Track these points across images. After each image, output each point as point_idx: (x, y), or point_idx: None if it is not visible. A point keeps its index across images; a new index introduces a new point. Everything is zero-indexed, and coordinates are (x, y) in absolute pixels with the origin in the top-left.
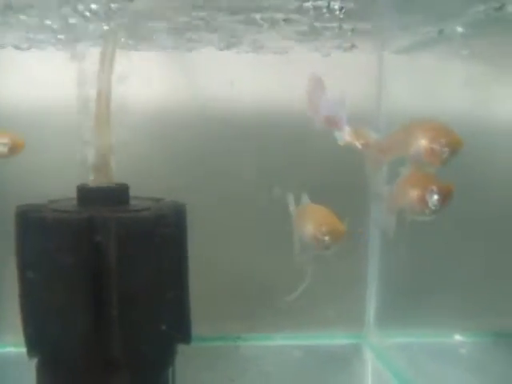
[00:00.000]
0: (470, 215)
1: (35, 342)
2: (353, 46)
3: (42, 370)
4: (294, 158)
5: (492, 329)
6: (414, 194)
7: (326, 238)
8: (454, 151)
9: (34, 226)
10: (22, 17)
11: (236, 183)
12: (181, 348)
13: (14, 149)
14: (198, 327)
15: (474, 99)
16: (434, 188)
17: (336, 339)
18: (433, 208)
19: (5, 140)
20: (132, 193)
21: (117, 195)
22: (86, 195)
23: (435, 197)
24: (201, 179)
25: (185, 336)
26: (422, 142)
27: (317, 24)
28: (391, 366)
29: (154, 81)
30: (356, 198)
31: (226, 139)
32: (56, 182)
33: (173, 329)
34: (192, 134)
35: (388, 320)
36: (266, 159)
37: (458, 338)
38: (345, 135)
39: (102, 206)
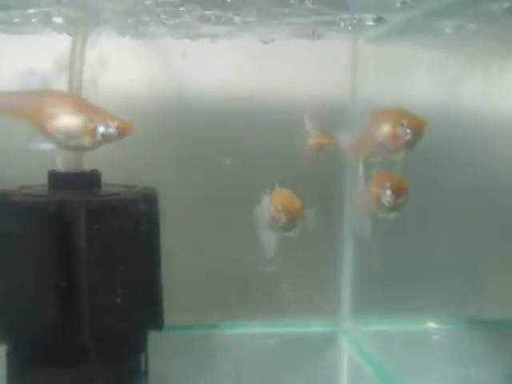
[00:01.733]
0: (444, 204)
1: (4, 328)
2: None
3: (11, 356)
4: (273, 146)
5: (465, 316)
6: (374, 192)
7: (282, 215)
8: (417, 133)
9: (3, 210)
10: None
11: (212, 172)
12: (156, 336)
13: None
14: (171, 315)
15: (443, 85)
16: (388, 184)
17: (311, 327)
18: (387, 205)
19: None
20: (105, 180)
21: (88, 181)
22: (57, 180)
23: (388, 192)
24: (175, 167)
25: (156, 323)
26: (385, 128)
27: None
28: (365, 353)
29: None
30: (332, 188)
31: (202, 127)
32: (27, 168)
33: (144, 315)
34: (167, 121)
35: (363, 308)
36: (244, 148)
37: (431, 325)
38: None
39: (73, 191)
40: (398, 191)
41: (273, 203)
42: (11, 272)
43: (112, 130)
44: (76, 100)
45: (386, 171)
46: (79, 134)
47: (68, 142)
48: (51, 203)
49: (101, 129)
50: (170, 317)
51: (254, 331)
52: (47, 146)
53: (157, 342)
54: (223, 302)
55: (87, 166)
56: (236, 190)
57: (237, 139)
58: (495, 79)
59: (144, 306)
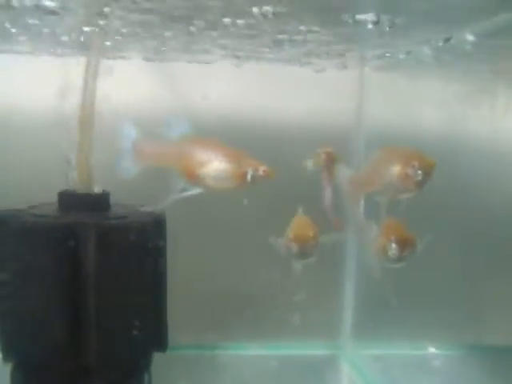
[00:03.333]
0: (445, 232)
1: (10, 346)
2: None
3: (16, 375)
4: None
5: (466, 342)
6: (380, 243)
7: (294, 244)
8: (428, 173)
9: (13, 230)
10: None
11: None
12: (159, 356)
13: (267, 176)
14: (176, 335)
15: (449, 117)
16: (393, 237)
17: (313, 350)
18: (392, 257)
19: (262, 167)
20: (114, 200)
21: (97, 202)
22: (67, 201)
23: (393, 246)
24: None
25: (161, 344)
26: (395, 169)
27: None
28: (366, 377)
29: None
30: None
31: None
32: (37, 188)
33: (149, 337)
34: None
35: (364, 332)
36: None
37: (432, 350)
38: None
39: (82, 213)
40: (404, 244)
41: (289, 231)
42: (19, 293)
43: (260, 174)
44: (221, 145)
45: (395, 221)
46: (230, 179)
47: (218, 186)
48: (61, 225)
49: (250, 173)
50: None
51: (255, 353)
52: (194, 191)
53: (159, 362)
54: (225, 322)
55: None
56: (243, 213)
57: None
58: (500, 110)
59: (149, 329)
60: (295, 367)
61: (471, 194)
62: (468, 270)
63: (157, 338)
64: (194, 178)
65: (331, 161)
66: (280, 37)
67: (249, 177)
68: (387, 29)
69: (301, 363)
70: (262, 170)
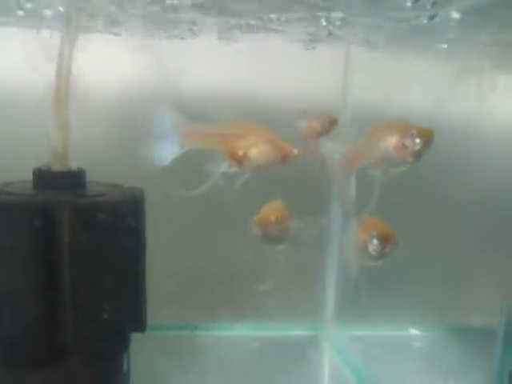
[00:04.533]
0: (430, 211)
1: None
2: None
3: None
4: None
5: (447, 323)
6: (360, 239)
7: (257, 228)
8: (427, 143)
9: None
10: None
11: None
12: (138, 336)
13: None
14: (156, 316)
15: (434, 92)
16: (374, 233)
17: (295, 331)
18: (373, 253)
19: (295, 150)
20: (91, 178)
21: (73, 179)
22: (42, 179)
23: (375, 241)
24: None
25: (139, 324)
26: (392, 139)
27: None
28: (347, 358)
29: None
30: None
31: None
32: (13, 164)
33: (126, 316)
34: None
35: (346, 313)
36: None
37: (413, 331)
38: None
39: (57, 190)
40: (385, 240)
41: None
42: None
43: (294, 155)
44: (261, 128)
45: (373, 217)
46: (271, 160)
47: (260, 166)
48: (34, 203)
49: (289, 155)
50: (153, 316)
51: (237, 334)
52: (232, 169)
53: (139, 342)
54: (207, 303)
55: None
56: (226, 191)
57: None
58: (488, 87)
59: (127, 308)
60: (277, 348)
61: (456, 175)
62: (450, 251)
63: (135, 318)
64: (238, 158)
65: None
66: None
67: (288, 158)
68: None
69: (282, 344)
70: (295, 152)
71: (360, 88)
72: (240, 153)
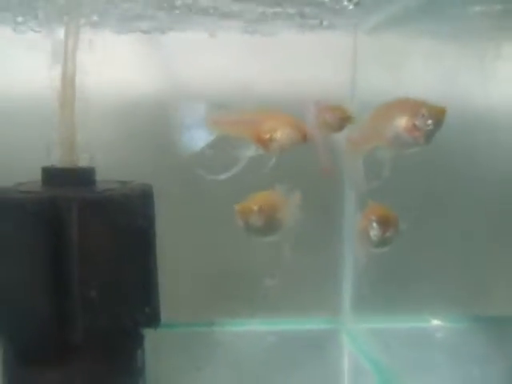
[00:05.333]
0: (446, 202)
1: None
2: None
3: (4, 354)
4: None
5: (469, 314)
6: (362, 225)
7: (238, 217)
8: (438, 123)
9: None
10: None
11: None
12: (155, 334)
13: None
14: (172, 313)
15: (441, 76)
16: (374, 217)
17: (313, 325)
18: (374, 238)
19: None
20: (102, 176)
21: (82, 177)
22: (51, 177)
23: (375, 225)
24: (168, 165)
25: (152, 319)
26: (402, 120)
27: None
28: (366, 351)
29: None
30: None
31: None
32: (23, 164)
33: (138, 312)
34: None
35: (366, 306)
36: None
37: (435, 322)
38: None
39: (66, 187)
40: (385, 224)
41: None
42: (5, 267)
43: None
44: (282, 113)
45: (378, 204)
46: (294, 141)
47: (284, 147)
48: (43, 200)
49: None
50: (167, 314)
51: (254, 329)
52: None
53: (154, 340)
54: (224, 299)
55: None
56: (237, 189)
57: None
58: (493, 68)
59: (139, 304)
60: (295, 342)
61: (470, 158)
62: (472, 240)
63: (147, 314)
64: (265, 141)
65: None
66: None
67: (306, 138)
68: None
69: (301, 338)
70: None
71: (368, 75)
72: (266, 136)
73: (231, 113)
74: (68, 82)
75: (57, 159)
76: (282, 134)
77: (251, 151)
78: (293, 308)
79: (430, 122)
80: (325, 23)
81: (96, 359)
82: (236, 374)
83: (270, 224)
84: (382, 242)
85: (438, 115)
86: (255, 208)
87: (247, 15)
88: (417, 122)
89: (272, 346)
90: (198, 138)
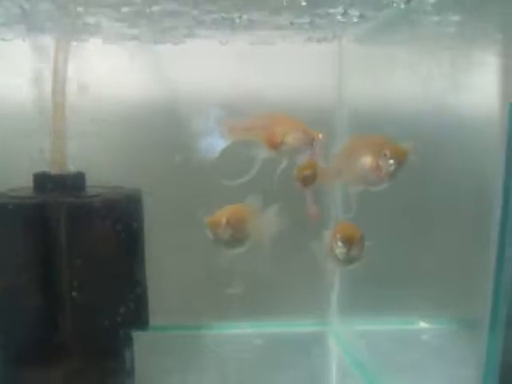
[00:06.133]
0: (432, 204)
1: None
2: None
3: None
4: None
5: (457, 316)
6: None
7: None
8: (401, 162)
9: None
10: None
11: (202, 177)
12: (144, 336)
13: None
14: (160, 316)
15: (424, 84)
16: (339, 236)
17: (301, 327)
18: (340, 257)
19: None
20: (94, 182)
21: (71, 182)
22: (42, 183)
23: (340, 244)
24: (163, 171)
25: (141, 323)
26: (366, 161)
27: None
28: (353, 353)
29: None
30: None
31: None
32: (15, 171)
33: (126, 313)
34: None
35: (353, 308)
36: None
37: (421, 324)
38: None
39: (55, 192)
40: (349, 242)
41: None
42: None
43: (320, 140)
44: (291, 119)
45: (347, 222)
46: (303, 144)
47: (294, 150)
48: (33, 205)
49: (316, 139)
50: (157, 317)
51: (242, 332)
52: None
53: (144, 343)
54: (211, 302)
55: (73, 169)
56: (228, 194)
57: None
58: (476, 76)
59: (127, 306)
60: (282, 344)
61: (453, 168)
62: (457, 244)
63: (135, 315)
64: (276, 145)
65: (311, 179)
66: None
67: (314, 143)
68: None
69: (288, 340)
70: (320, 136)
71: (355, 83)
72: (277, 139)
73: (243, 119)
74: (59, 89)
75: (48, 166)
76: (292, 138)
77: (263, 154)
78: (280, 311)
79: (392, 162)
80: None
81: (84, 360)
82: (224, 376)
83: (238, 236)
84: (348, 260)
85: (400, 155)
86: (223, 221)
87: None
88: (380, 163)
89: (259, 349)
90: (215, 145)
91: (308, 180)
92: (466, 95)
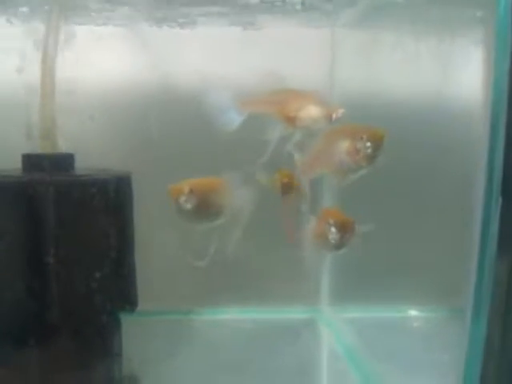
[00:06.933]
0: (423, 193)
1: None
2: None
3: None
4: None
5: (449, 304)
6: (319, 230)
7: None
8: (378, 145)
9: None
10: None
11: (194, 160)
12: (132, 321)
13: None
14: (149, 301)
15: (416, 69)
16: (332, 221)
17: (291, 314)
18: (333, 242)
19: (341, 110)
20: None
21: (60, 163)
22: (30, 163)
23: (333, 230)
24: (154, 153)
25: (129, 302)
26: (344, 145)
27: None
28: (344, 340)
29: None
30: None
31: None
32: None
33: (114, 294)
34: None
35: (344, 295)
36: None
37: (412, 312)
38: None
39: (43, 172)
40: (343, 228)
41: None
42: None
43: (339, 116)
44: (308, 93)
45: (332, 208)
46: (321, 119)
47: (311, 125)
48: (20, 183)
49: (334, 115)
50: (145, 302)
51: (232, 317)
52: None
53: (133, 328)
54: (201, 287)
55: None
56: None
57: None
58: (472, 62)
59: (115, 286)
60: (273, 331)
61: (444, 157)
62: (449, 232)
63: (123, 296)
64: (292, 120)
65: (289, 187)
66: None
67: (334, 117)
68: None
69: (279, 327)
70: (340, 112)
71: (347, 70)
72: (292, 114)
73: (258, 94)
74: (48, 70)
75: (37, 146)
76: (306, 113)
77: (279, 131)
78: (271, 297)
79: (369, 144)
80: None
81: (69, 340)
82: (215, 361)
83: (203, 209)
84: (340, 245)
85: (378, 138)
86: (186, 189)
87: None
88: (358, 146)
89: (250, 335)
90: (231, 119)
91: (285, 188)
92: (457, 79)
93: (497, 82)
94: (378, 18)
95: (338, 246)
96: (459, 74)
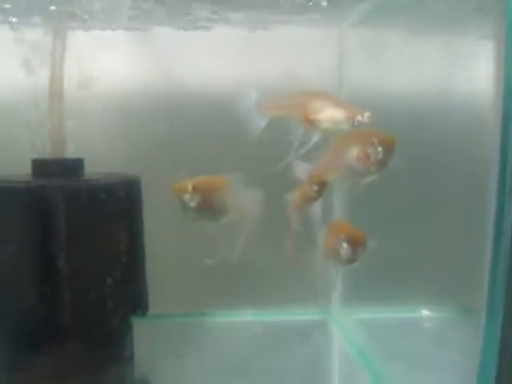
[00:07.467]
0: (433, 193)
1: None
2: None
3: None
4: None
5: (459, 304)
6: (330, 245)
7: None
8: (389, 150)
9: None
10: None
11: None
12: (144, 324)
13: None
14: (163, 304)
15: (424, 69)
16: (343, 237)
17: (303, 315)
18: (345, 257)
19: (367, 113)
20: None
21: (70, 168)
22: (40, 168)
23: (345, 245)
24: (163, 158)
25: (140, 306)
26: (354, 150)
27: None
28: (355, 341)
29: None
30: None
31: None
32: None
33: (125, 298)
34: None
35: (355, 296)
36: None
37: (425, 312)
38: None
39: (53, 177)
40: (355, 243)
41: None
42: None
43: (365, 119)
44: (329, 95)
45: (342, 220)
46: (343, 122)
47: (333, 128)
48: (31, 189)
49: (358, 118)
50: (157, 305)
51: (244, 320)
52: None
53: (145, 331)
54: (213, 290)
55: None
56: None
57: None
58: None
59: (127, 289)
60: (285, 332)
61: (458, 155)
62: (460, 233)
63: (135, 300)
64: (312, 122)
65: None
66: None
67: (356, 121)
68: None
69: (290, 328)
70: (366, 115)
71: (354, 68)
72: (311, 116)
73: (278, 97)
74: (57, 75)
75: (47, 151)
76: (326, 116)
77: (299, 134)
78: (282, 299)
79: (380, 149)
80: None
81: (82, 344)
82: (227, 363)
83: (207, 208)
84: (352, 260)
85: (388, 143)
86: (190, 186)
87: None
88: (368, 151)
89: (261, 337)
90: (256, 124)
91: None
92: (466, 77)
93: (508, 77)
94: (385, 16)
95: (350, 260)
96: (469, 70)
